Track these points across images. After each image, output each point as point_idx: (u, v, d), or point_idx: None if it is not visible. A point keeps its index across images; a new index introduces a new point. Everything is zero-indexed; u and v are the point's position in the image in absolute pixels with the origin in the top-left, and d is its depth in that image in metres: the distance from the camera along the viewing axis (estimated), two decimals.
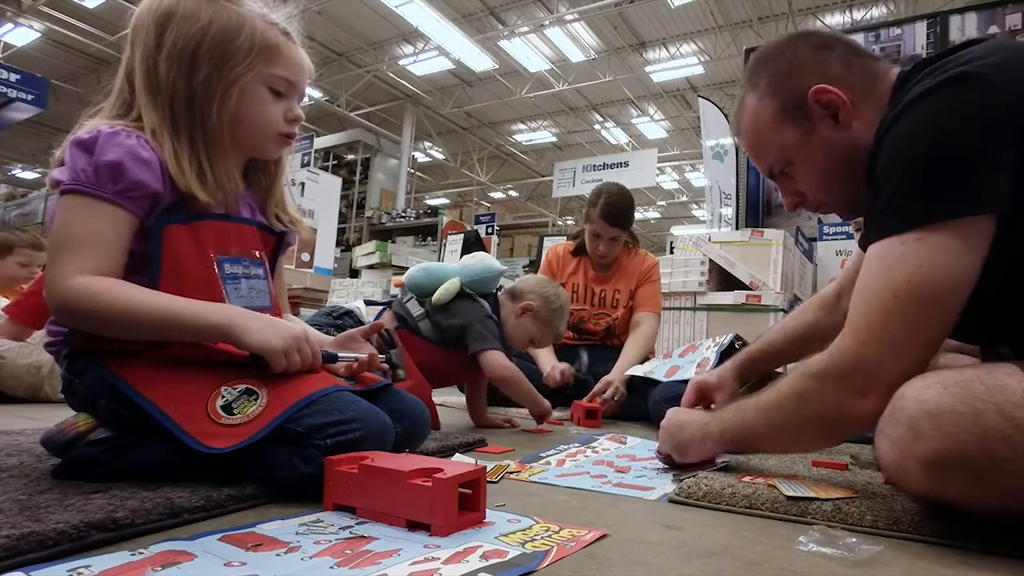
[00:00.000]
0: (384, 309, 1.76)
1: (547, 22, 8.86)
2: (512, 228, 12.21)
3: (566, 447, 1.34)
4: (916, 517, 0.76)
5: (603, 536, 0.70)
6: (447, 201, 16.11)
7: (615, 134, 12.91)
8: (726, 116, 5.31)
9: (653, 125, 12.31)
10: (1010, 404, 0.64)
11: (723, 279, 3.26)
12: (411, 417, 1.01)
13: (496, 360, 1.61)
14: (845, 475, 1.07)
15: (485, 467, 0.76)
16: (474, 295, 1.68)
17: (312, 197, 7.38)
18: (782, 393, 0.88)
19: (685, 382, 1.35)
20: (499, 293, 1.80)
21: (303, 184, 7.24)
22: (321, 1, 8.36)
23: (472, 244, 7.37)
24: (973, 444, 0.64)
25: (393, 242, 9.48)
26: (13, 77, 6.35)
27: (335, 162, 12.09)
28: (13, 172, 14.36)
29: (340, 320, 1.58)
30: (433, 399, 1.61)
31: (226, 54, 0.91)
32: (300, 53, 1.00)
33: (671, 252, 5.04)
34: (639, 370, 2.06)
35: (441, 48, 9.44)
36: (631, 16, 8.79)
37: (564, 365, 2.04)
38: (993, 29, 3.83)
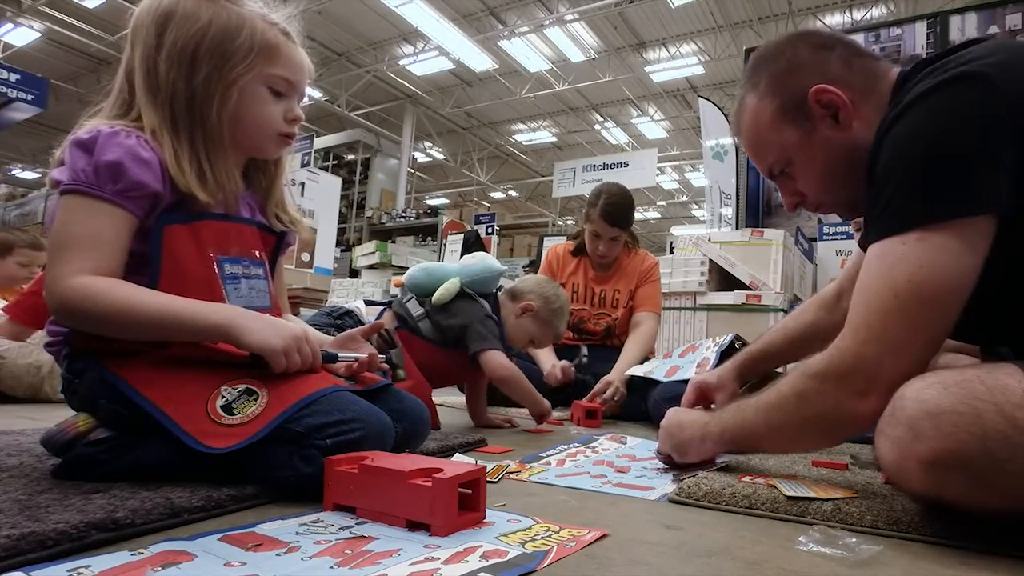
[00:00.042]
0: (384, 309, 1.76)
1: (547, 22, 8.86)
2: (512, 228, 12.21)
3: (566, 447, 1.34)
4: (916, 517, 0.76)
5: (603, 536, 0.70)
6: (447, 201, 16.11)
7: (615, 134, 12.91)
8: (726, 116, 5.31)
9: (653, 125, 12.31)
10: (1010, 404, 0.64)
11: (723, 279, 3.26)
12: (411, 417, 1.01)
13: (496, 360, 1.61)
14: (845, 475, 1.07)
15: (485, 467, 0.76)
16: (474, 295, 1.68)
17: (312, 197, 7.38)
18: (782, 393, 0.88)
19: (685, 382, 1.35)
20: (499, 293, 1.80)
21: (303, 184, 7.24)
22: (321, 1, 8.36)
23: (472, 244, 7.37)
24: (973, 444, 0.64)
25: (393, 242, 9.48)
26: (13, 77, 6.35)
27: (335, 162, 12.09)
28: (13, 172, 14.37)
29: (340, 320, 1.58)
30: (433, 399, 1.61)
31: (226, 54, 0.91)
32: (300, 53, 1.00)
33: (671, 252, 5.04)
34: (639, 370, 2.06)
35: (441, 48, 9.44)
36: (631, 16, 8.79)
37: (564, 363, 2.05)
38: (993, 29, 3.83)
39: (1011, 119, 0.72)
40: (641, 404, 1.99)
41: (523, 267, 8.93)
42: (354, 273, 7.65)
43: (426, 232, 10.37)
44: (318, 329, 1.15)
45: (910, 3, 7.62)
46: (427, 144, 13.89)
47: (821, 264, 4.50)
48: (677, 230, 16.04)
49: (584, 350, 2.20)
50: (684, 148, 13.12)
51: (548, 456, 1.23)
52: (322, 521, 0.70)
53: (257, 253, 1.01)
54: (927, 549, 0.71)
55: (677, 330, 3.23)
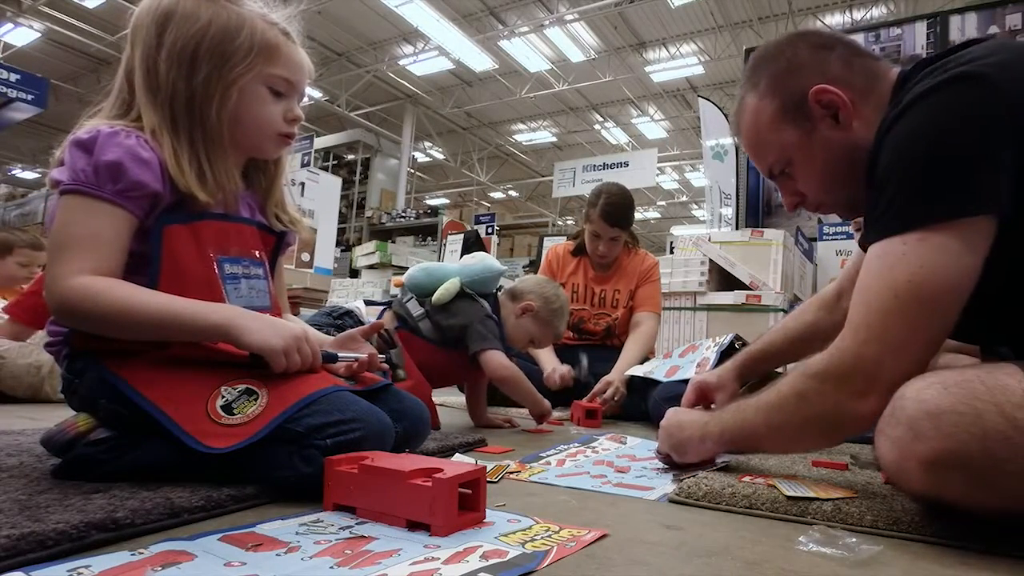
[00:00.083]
0: (384, 309, 1.76)
1: (547, 22, 8.86)
2: (512, 228, 12.21)
3: (566, 447, 1.34)
4: (916, 517, 0.76)
5: (603, 536, 0.70)
6: (447, 201, 16.11)
7: (615, 134, 12.91)
8: (726, 116, 5.31)
9: (653, 125, 12.31)
10: (1010, 404, 0.64)
11: (723, 279, 3.26)
12: (411, 417, 1.01)
13: (497, 360, 1.61)
14: (845, 475, 1.07)
15: (485, 467, 0.76)
16: (474, 295, 1.68)
17: (312, 197, 7.38)
18: (782, 393, 0.88)
19: (685, 382, 1.36)
20: (499, 293, 1.80)
21: (303, 184, 7.24)
22: (321, 1, 8.36)
23: (472, 244, 7.37)
24: (973, 444, 0.64)
25: (393, 242, 9.48)
26: (13, 77, 6.35)
27: (335, 162, 12.09)
28: (13, 172, 14.36)
29: (340, 320, 1.58)
30: (433, 399, 1.62)
31: (226, 54, 0.91)
32: (300, 53, 1.00)
33: (671, 252, 5.04)
34: (639, 370, 2.06)
35: (441, 48, 9.44)
36: (631, 16, 8.79)
37: (565, 368, 2.04)
38: (993, 29, 3.83)
39: (1011, 119, 0.72)
40: (641, 404, 1.99)
41: (523, 267, 8.93)
42: (354, 273, 7.65)
43: (426, 232, 10.37)
44: (318, 329, 1.15)
45: (910, 3, 7.62)
46: (427, 144, 13.89)
47: (821, 264, 4.50)
48: (677, 230, 16.04)
49: (584, 361, 2.18)
50: (684, 148, 13.12)
51: (548, 456, 1.23)
52: (322, 521, 0.70)
53: (257, 253, 1.01)
54: (927, 549, 0.71)
55: (677, 330, 3.23)
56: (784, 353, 1.34)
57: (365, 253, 7.58)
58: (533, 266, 8.33)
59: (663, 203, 16.89)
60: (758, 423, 0.91)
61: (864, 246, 0.90)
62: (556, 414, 1.83)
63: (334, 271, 7.77)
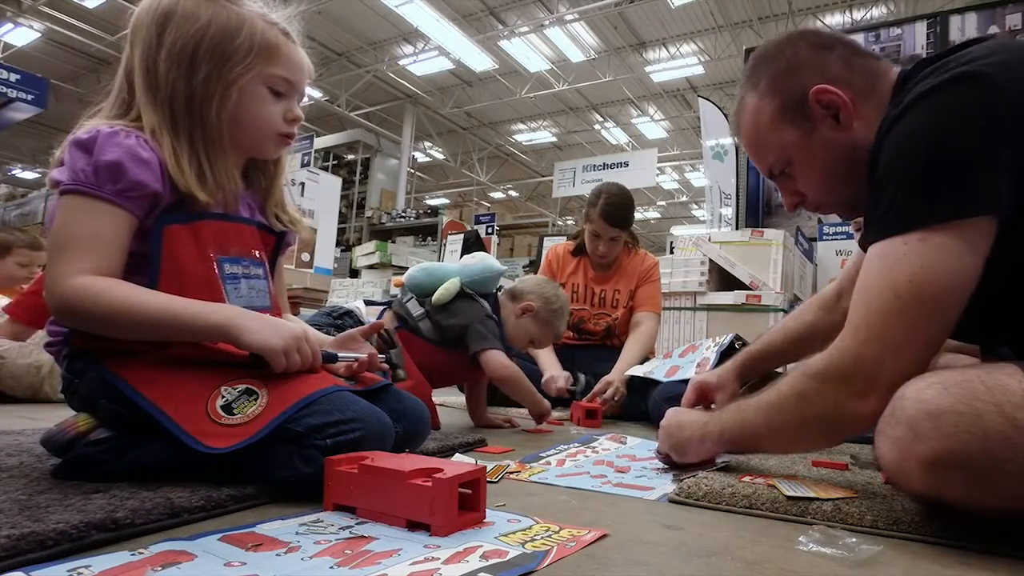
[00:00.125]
0: (384, 309, 1.76)
1: (547, 22, 8.86)
2: (512, 228, 12.21)
3: (566, 447, 1.34)
4: (916, 517, 0.76)
5: (603, 536, 0.70)
6: (447, 201, 16.11)
7: (615, 134, 12.91)
8: (726, 116, 5.31)
9: (653, 125, 12.31)
10: (1011, 404, 0.64)
11: (723, 279, 3.26)
12: (411, 417, 1.01)
13: (497, 359, 1.61)
14: (845, 475, 1.07)
15: (485, 467, 0.76)
16: (474, 295, 1.68)
17: (312, 197, 7.38)
18: (782, 393, 0.88)
19: (685, 382, 1.36)
20: (499, 293, 1.80)
21: (303, 184, 7.24)
22: (321, 1, 8.36)
23: (472, 244, 7.37)
24: (973, 444, 0.64)
25: (393, 242, 9.48)
26: (13, 77, 6.35)
27: (335, 162, 12.09)
28: (13, 172, 14.36)
29: (340, 320, 1.58)
30: (433, 399, 1.62)
31: (225, 54, 0.91)
32: (300, 53, 1.00)
33: (671, 252, 5.04)
34: (639, 370, 2.06)
35: (441, 48, 9.44)
36: (631, 16, 8.79)
37: (565, 377, 2.04)
38: (993, 29, 3.83)
39: (1011, 119, 0.72)
40: (641, 404, 1.99)
41: (523, 267, 8.93)
42: (354, 273, 7.65)
43: (426, 232, 10.37)
44: (318, 329, 1.15)
45: (910, 3, 7.62)
46: (427, 144, 13.89)
47: (821, 264, 4.50)
48: (677, 230, 16.04)
49: (583, 380, 2.13)
50: (684, 148, 13.12)
51: (548, 456, 1.23)
52: (322, 521, 0.70)
53: (257, 253, 1.01)
54: (927, 549, 0.71)
55: (677, 330, 3.23)
56: (784, 353, 1.34)
57: (365, 253, 7.58)
58: (533, 266, 8.33)
59: (663, 203, 16.89)
60: (758, 423, 0.91)
61: (864, 246, 0.89)
62: (556, 414, 1.83)
63: (334, 271, 7.77)
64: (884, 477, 0.99)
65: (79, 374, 0.89)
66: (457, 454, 1.18)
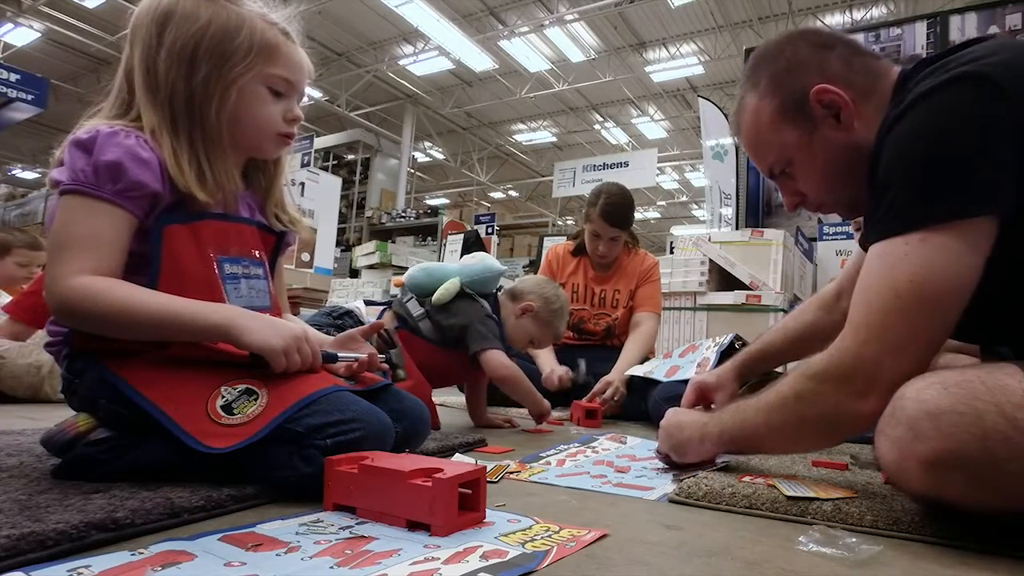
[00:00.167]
0: (384, 309, 1.76)
1: (547, 22, 8.85)
2: (512, 228, 12.21)
3: (566, 447, 1.34)
4: (916, 517, 0.76)
5: (603, 536, 0.70)
6: (447, 201, 16.11)
7: (615, 134, 12.91)
8: (726, 116, 5.31)
9: (653, 125, 12.31)
10: (1011, 405, 0.64)
11: (723, 279, 3.26)
12: (411, 417, 1.01)
13: (497, 359, 1.61)
14: (845, 475, 1.07)
15: (485, 467, 0.76)
16: (474, 295, 1.68)
17: (312, 197, 7.38)
18: (782, 393, 0.88)
19: (685, 382, 1.35)
20: (499, 293, 1.80)
21: (303, 184, 7.24)
22: (321, 1, 8.36)
23: (472, 244, 7.37)
24: (973, 444, 0.64)
25: (393, 242, 9.48)
26: (13, 77, 6.35)
27: (335, 162, 12.09)
28: (13, 172, 14.36)
29: (340, 320, 1.58)
30: (433, 399, 1.61)
31: (225, 54, 0.91)
32: (300, 53, 1.00)
33: (671, 252, 5.04)
34: (639, 370, 2.06)
35: (441, 48, 9.44)
36: (631, 16, 8.79)
37: (563, 370, 2.04)
38: (993, 29, 3.83)
39: (1012, 119, 0.72)
40: (641, 404, 1.99)
41: (523, 267, 8.93)
42: (354, 273, 7.65)
43: (426, 232, 10.37)
44: (318, 329, 1.14)
45: (910, 3, 7.62)
46: (427, 144, 13.89)
47: (821, 264, 4.50)
48: (677, 230, 16.04)
49: (583, 366, 2.16)
50: (684, 148, 13.12)
51: (548, 456, 1.23)
52: (322, 521, 0.70)
53: (257, 253, 1.01)
54: (927, 549, 0.71)
55: (677, 330, 3.23)
56: (784, 353, 1.34)
57: (365, 253, 7.58)
58: (533, 266, 8.33)
59: (663, 203, 16.89)
60: (758, 423, 0.91)
61: (864, 246, 0.89)
62: (556, 414, 1.83)
63: (334, 271, 7.77)
64: (884, 477, 0.99)
65: (79, 374, 0.89)
66: (457, 454, 1.18)
